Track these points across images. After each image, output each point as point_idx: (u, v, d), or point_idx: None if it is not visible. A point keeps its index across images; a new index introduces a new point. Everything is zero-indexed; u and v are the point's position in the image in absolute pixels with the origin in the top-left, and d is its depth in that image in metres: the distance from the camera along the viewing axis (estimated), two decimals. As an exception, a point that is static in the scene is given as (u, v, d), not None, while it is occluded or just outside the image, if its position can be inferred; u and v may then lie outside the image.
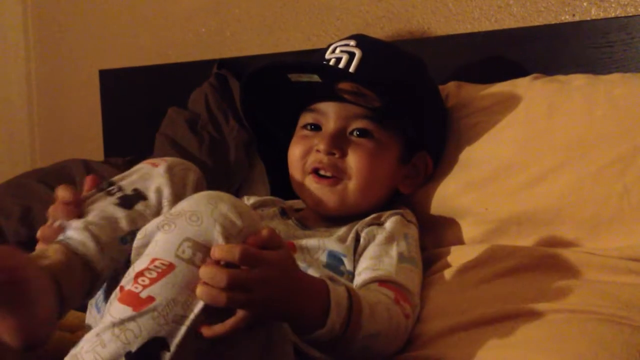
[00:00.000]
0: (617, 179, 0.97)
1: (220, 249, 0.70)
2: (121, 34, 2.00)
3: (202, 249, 0.71)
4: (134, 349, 0.67)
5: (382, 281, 0.91)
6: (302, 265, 0.96)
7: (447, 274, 1.00)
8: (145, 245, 0.74)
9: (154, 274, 0.70)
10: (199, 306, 0.70)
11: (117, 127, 1.90)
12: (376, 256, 0.95)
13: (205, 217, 0.72)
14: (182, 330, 0.69)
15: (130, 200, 0.85)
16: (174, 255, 0.71)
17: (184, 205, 0.74)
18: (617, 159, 0.98)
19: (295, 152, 1.08)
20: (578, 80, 1.08)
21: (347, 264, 0.97)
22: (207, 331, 0.71)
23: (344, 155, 1.04)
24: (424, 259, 1.03)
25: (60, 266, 0.74)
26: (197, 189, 0.87)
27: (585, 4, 1.24)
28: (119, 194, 0.85)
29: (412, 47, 1.25)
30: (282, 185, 1.17)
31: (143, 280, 0.70)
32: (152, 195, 0.84)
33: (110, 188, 0.85)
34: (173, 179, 0.85)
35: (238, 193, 1.47)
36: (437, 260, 1.05)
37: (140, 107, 1.82)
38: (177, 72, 1.78)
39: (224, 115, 1.53)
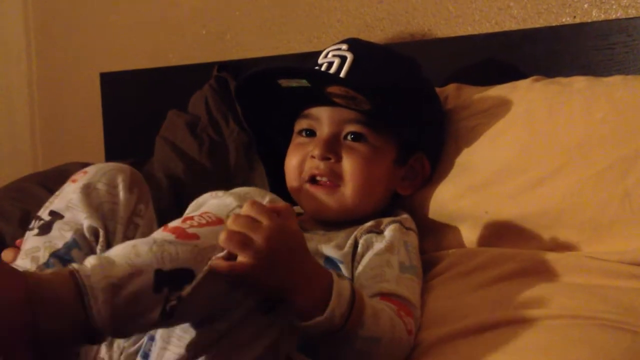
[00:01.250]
0: (618, 182, 0.96)
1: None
2: (122, 37, 2.00)
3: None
4: (165, 268, 0.69)
5: (384, 295, 0.91)
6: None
7: (446, 278, 1.00)
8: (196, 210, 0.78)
9: (203, 221, 0.74)
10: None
11: (118, 130, 1.90)
12: (377, 266, 0.95)
13: (256, 197, 0.77)
14: (209, 279, 0.71)
15: (47, 226, 0.92)
16: (225, 214, 0.75)
17: (239, 189, 0.80)
18: (618, 161, 0.97)
19: (291, 161, 1.08)
20: (579, 82, 1.08)
21: (344, 271, 0.97)
22: (217, 262, 0.72)
23: (339, 159, 1.04)
24: (423, 263, 1.03)
25: None
26: (131, 188, 0.94)
27: (586, 5, 1.24)
28: (38, 224, 0.92)
29: (412, 49, 1.25)
30: (282, 188, 1.17)
31: (191, 222, 0.74)
32: (67, 213, 0.90)
33: (33, 223, 0.92)
34: (88, 192, 0.92)
35: (238, 196, 1.47)
36: (436, 264, 1.04)
37: (141, 110, 1.82)
38: (178, 74, 1.78)
39: (224, 118, 1.53)
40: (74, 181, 0.95)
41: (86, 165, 1.56)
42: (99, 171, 0.95)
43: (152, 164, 1.56)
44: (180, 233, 0.72)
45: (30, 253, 0.88)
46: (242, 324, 0.77)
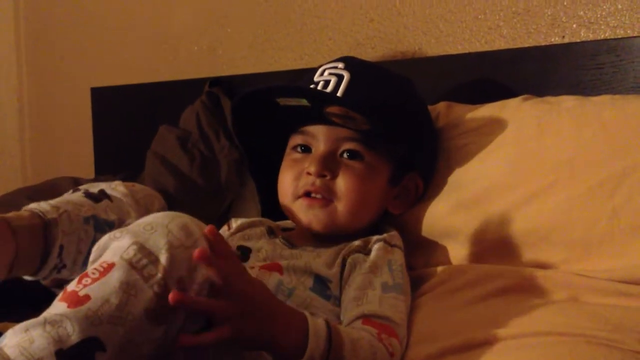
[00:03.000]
0: (606, 200, 0.97)
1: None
2: (113, 51, 2.00)
3: (148, 255, 0.69)
4: (65, 347, 0.65)
5: (365, 316, 0.90)
6: (287, 287, 0.96)
7: (435, 295, 1.00)
8: (99, 257, 0.74)
9: (97, 274, 0.69)
10: (137, 309, 0.68)
11: (108, 145, 1.90)
12: (360, 288, 0.94)
13: (159, 228, 0.71)
14: (120, 332, 0.67)
15: (95, 196, 0.91)
16: (118, 257, 0.70)
17: (143, 219, 0.75)
18: (607, 180, 0.98)
19: (286, 177, 1.08)
20: (568, 101, 1.09)
21: (333, 289, 0.97)
22: (185, 340, 0.70)
23: (334, 177, 1.04)
24: (413, 279, 1.03)
25: (20, 220, 0.78)
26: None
27: (574, 25, 1.25)
28: (83, 192, 0.91)
29: (403, 67, 1.25)
30: (273, 203, 1.17)
31: (86, 281, 0.69)
32: (117, 197, 0.90)
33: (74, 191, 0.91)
34: (136, 199, 0.92)
35: (229, 211, 1.47)
36: (425, 280, 1.04)
37: (132, 125, 1.82)
38: (169, 90, 1.78)
39: (215, 134, 1.53)
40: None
41: (77, 179, 1.58)
42: (139, 189, 0.95)
43: (142, 178, 1.55)
44: (72, 300, 0.68)
45: (70, 201, 0.86)
46: None
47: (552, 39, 1.27)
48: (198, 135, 1.54)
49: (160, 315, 0.69)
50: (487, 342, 0.86)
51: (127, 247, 0.70)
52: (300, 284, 0.96)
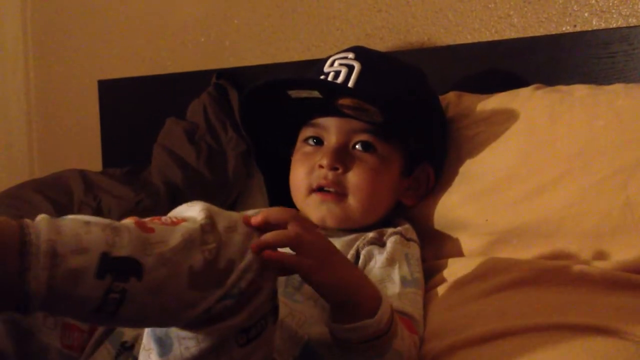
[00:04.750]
0: (619, 191, 0.96)
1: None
2: (120, 44, 1.99)
3: (212, 226, 0.70)
4: (113, 254, 0.64)
5: None
6: (297, 278, 0.95)
7: (446, 288, 0.99)
8: None
9: (169, 221, 0.70)
10: (184, 263, 0.67)
11: (116, 138, 1.89)
12: (379, 281, 0.94)
13: (225, 212, 0.73)
14: (161, 272, 0.66)
15: None
16: (191, 215, 0.71)
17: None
18: (620, 170, 0.96)
19: (298, 172, 1.07)
20: (580, 90, 1.07)
21: None
22: (267, 253, 0.71)
23: (347, 170, 1.03)
24: (424, 271, 1.02)
25: None
26: None
27: (586, 14, 1.23)
28: None
29: (411, 57, 1.24)
30: (281, 195, 1.16)
31: (156, 222, 0.69)
32: None
33: None
34: None
35: (236, 203, 1.46)
36: (435, 272, 1.03)
37: (139, 118, 1.81)
38: (176, 82, 1.77)
39: (222, 126, 1.52)
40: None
41: (84, 172, 1.58)
42: None
43: (149, 171, 1.55)
44: (140, 224, 0.68)
45: None
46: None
47: (564, 28, 1.26)
48: (205, 128, 1.54)
49: (200, 281, 0.69)
50: (499, 336, 0.85)
51: (199, 212, 0.71)
52: None
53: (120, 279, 0.63)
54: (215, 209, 0.73)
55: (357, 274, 0.81)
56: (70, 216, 0.66)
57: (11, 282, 0.60)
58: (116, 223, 0.67)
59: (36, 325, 0.85)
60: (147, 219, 0.70)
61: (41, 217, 0.64)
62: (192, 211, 0.71)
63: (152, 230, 0.67)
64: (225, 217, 0.72)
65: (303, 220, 0.78)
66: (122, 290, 0.64)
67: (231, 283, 0.69)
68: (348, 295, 0.78)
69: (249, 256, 0.70)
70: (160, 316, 0.68)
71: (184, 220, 0.70)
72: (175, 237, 0.68)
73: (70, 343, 0.88)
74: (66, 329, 0.88)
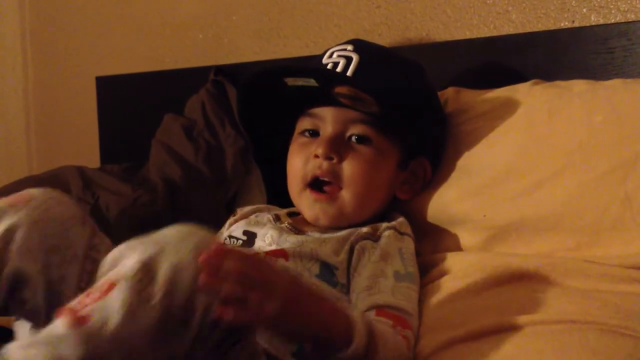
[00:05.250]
0: (618, 186, 0.95)
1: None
2: (118, 41, 1.99)
3: (151, 276, 0.67)
4: None
5: (379, 307, 0.89)
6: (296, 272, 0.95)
7: (443, 283, 0.99)
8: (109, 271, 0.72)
9: (98, 293, 0.67)
10: (137, 330, 0.66)
11: (114, 134, 1.89)
12: (372, 276, 0.93)
13: (169, 247, 0.69)
14: (120, 353, 0.65)
15: None
16: (122, 275, 0.68)
17: (158, 233, 0.72)
18: (618, 165, 0.96)
19: (295, 162, 1.07)
20: (578, 85, 1.07)
21: (340, 276, 0.96)
22: (227, 313, 0.67)
23: (341, 160, 1.03)
24: (420, 265, 1.02)
25: None
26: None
27: (584, 10, 1.23)
28: None
29: (410, 53, 1.24)
30: (279, 191, 1.16)
31: (87, 299, 0.67)
32: None
33: None
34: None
35: (234, 200, 1.46)
36: (432, 267, 1.03)
37: (137, 114, 1.81)
38: (174, 78, 1.77)
39: (220, 122, 1.52)
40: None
41: (81, 168, 1.57)
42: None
43: (147, 167, 1.55)
44: (72, 319, 0.66)
45: None
46: None
47: (562, 24, 1.25)
48: (203, 124, 1.54)
49: (163, 336, 0.67)
50: (496, 331, 0.85)
51: (132, 265, 0.68)
52: (306, 271, 0.96)
53: None
54: (159, 243, 0.69)
55: (325, 308, 0.77)
56: (11, 345, 0.65)
57: None
58: (49, 337, 0.65)
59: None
60: (79, 300, 0.68)
61: None
62: (128, 261, 0.68)
63: (87, 319, 0.65)
64: (170, 254, 0.68)
65: (255, 260, 0.73)
66: None
67: (197, 322, 0.68)
68: (317, 333, 0.76)
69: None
70: None
71: (115, 282, 0.67)
72: (115, 311, 0.66)
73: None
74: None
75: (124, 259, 0.70)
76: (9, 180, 1.64)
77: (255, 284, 0.69)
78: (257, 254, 0.76)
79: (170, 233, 0.71)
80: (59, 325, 0.66)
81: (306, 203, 1.05)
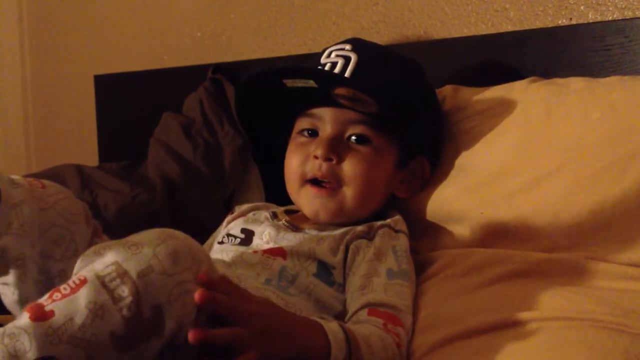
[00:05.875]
0: (615, 183, 0.95)
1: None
2: (116, 39, 1.99)
3: (123, 276, 0.65)
4: None
5: (371, 305, 0.89)
6: (291, 272, 0.95)
7: (441, 280, 0.99)
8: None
9: (67, 290, 0.66)
10: (103, 332, 0.64)
11: (112, 132, 1.89)
12: (365, 275, 0.94)
13: (145, 249, 0.67)
14: (81, 354, 0.63)
15: None
16: (93, 273, 0.66)
17: (137, 234, 0.71)
18: (615, 162, 0.96)
19: (292, 161, 1.06)
20: (576, 83, 1.07)
21: (337, 275, 0.96)
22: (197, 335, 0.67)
23: (341, 161, 1.03)
24: (418, 263, 1.02)
25: None
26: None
27: (582, 7, 1.23)
28: None
29: (408, 51, 1.24)
30: (277, 190, 1.16)
31: (56, 295, 0.66)
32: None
33: None
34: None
35: (232, 198, 1.46)
36: (430, 264, 1.03)
37: (136, 112, 1.81)
38: (173, 77, 1.77)
39: (218, 120, 1.52)
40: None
41: (80, 167, 1.57)
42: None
43: (146, 166, 1.55)
44: (36, 313, 0.64)
45: None
46: None
47: (560, 21, 1.25)
48: (201, 122, 1.54)
49: (129, 341, 0.65)
50: (494, 328, 0.85)
51: (105, 264, 0.66)
52: (303, 270, 0.96)
53: None
54: (135, 245, 0.67)
55: (300, 330, 0.77)
56: None
57: None
58: (10, 328, 0.63)
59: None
60: (45, 298, 0.66)
61: None
62: (102, 261, 0.67)
63: (51, 314, 0.64)
64: (145, 257, 0.66)
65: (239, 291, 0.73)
66: None
67: (169, 330, 0.66)
68: (293, 358, 0.75)
69: (182, 298, 0.66)
70: None
71: (85, 280, 0.65)
72: (80, 310, 0.64)
73: None
74: None
75: (99, 257, 0.68)
76: (8, 178, 1.64)
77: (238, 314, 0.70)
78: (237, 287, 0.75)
79: (149, 236, 0.69)
80: (23, 318, 0.64)
81: (306, 198, 1.05)
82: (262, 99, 1.11)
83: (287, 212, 1.10)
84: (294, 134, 1.10)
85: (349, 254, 0.98)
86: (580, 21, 1.23)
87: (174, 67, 1.81)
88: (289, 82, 1.03)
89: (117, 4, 1.99)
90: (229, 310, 0.69)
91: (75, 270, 0.71)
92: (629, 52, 1.12)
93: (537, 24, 1.27)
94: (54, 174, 1.54)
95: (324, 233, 1.02)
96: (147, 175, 1.51)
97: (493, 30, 1.33)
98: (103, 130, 1.91)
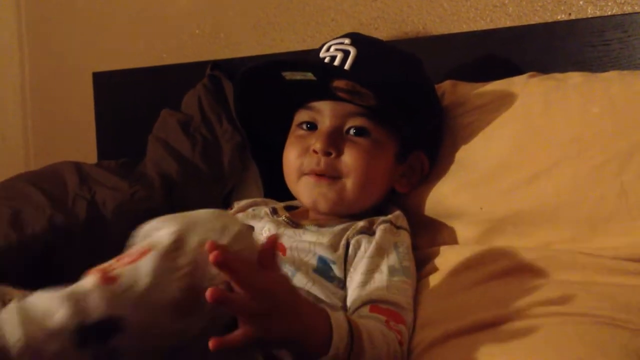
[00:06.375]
0: (614, 178, 0.95)
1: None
2: (115, 36, 1.99)
3: (183, 248, 0.68)
4: (86, 322, 0.64)
5: (373, 302, 0.89)
6: (290, 268, 0.95)
7: (439, 276, 0.99)
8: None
9: (132, 257, 0.68)
10: (163, 298, 0.66)
11: (111, 129, 1.89)
12: (367, 271, 0.93)
13: (200, 224, 0.70)
14: (142, 317, 0.65)
15: None
16: (156, 243, 0.69)
17: (191, 212, 0.73)
18: (614, 157, 0.96)
19: (291, 154, 1.06)
20: (574, 78, 1.07)
21: (337, 271, 0.96)
22: (215, 344, 0.67)
23: (340, 154, 1.03)
24: (417, 259, 1.01)
25: None
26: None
27: (581, 2, 1.23)
28: None
29: (407, 47, 1.23)
30: (276, 187, 1.16)
31: (120, 261, 0.68)
32: None
33: None
34: None
35: (231, 195, 1.46)
36: (429, 260, 1.03)
37: (134, 110, 1.81)
38: (171, 74, 1.77)
39: (217, 117, 1.52)
40: None
41: (78, 164, 1.57)
42: None
43: (144, 163, 1.55)
44: (102, 277, 0.66)
45: None
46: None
47: (558, 16, 1.25)
48: (200, 119, 1.53)
49: (185, 308, 0.68)
50: (493, 324, 0.85)
51: (166, 235, 0.69)
52: (303, 265, 0.95)
53: (103, 340, 0.64)
54: (191, 220, 0.70)
55: (305, 318, 0.76)
56: (30, 300, 0.65)
57: None
58: (77, 289, 0.65)
59: None
60: (110, 263, 0.68)
61: (7, 313, 0.63)
62: (162, 232, 0.69)
63: (116, 278, 0.66)
64: (200, 231, 0.69)
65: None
66: (112, 349, 0.64)
67: (209, 311, 0.68)
68: (293, 344, 0.76)
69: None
70: (156, 349, 0.68)
71: (150, 249, 0.68)
72: (143, 277, 0.66)
73: None
74: None
75: (157, 231, 0.70)
76: (6, 176, 1.64)
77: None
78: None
79: (202, 213, 0.73)
80: (87, 281, 0.66)
81: (305, 188, 1.04)
82: (260, 94, 1.11)
83: (286, 209, 1.10)
84: (292, 127, 1.10)
85: (350, 250, 0.97)
86: (579, 16, 1.23)
87: (173, 64, 1.81)
88: (288, 75, 1.02)
89: (115, 1, 1.99)
90: (242, 278, 0.69)
91: (131, 245, 0.73)
92: (628, 47, 1.12)
93: (536, 19, 1.27)
94: (53, 172, 1.54)
95: (324, 229, 1.01)
96: (145, 172, 1.50)
97: (492, 26, 1.32)
98: (101, 127, 1.91)
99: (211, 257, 0.67)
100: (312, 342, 0.76)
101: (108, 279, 0.66)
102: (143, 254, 0.68)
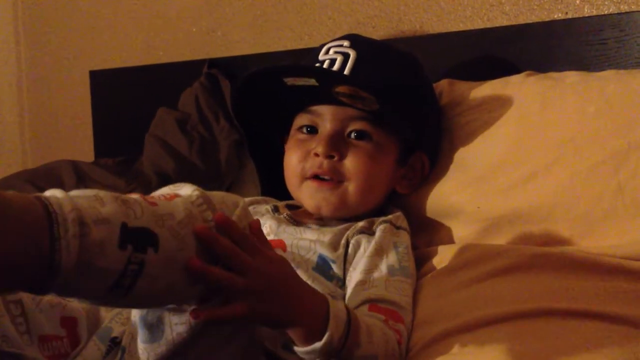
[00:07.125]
0: (610, 177, 0.96)
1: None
2: (112, 34, 1.99)
3: (208, 203, 0.69)
4: (130, 224, 0.62)
5: (372, 301, 0.89)
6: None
7: (437, 275, 0.99)
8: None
9: (164, 197, 0.68)
10: (192, 240, 0.66)
11: (108, 128, 1.89)
12: (366, 271, 0.93)
13: (216, 195, 0.71)
14: (173, 245, 0.65)
15: None
16: (182, 194, 0.69)
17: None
18: (611, 156, 0.96)
19: (292, 158, 1.06)
20: (571, 77, 1.07)
21: (336, 270, 0.96)
22: (197, 315, 0.68)
23: (342, 158, 1.02)
24: (415, 259, 1.01)
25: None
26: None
27: (577, 1, 1.23)
28: None
29: (404, 45, 1.24)
30: (273, 185, 1.16)
31: (153, 199, 0.68)
32: None
33: None
34: None
35: (228, 193, 1.46)
36: (427, 260, 1.03)
37: (131, 108, 1.81)
38: (168, 72, 1.77)
39: (214, 115, 1.52)
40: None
41: (75, 163, 1.57)
42: None
43: (141, 161, 1.55)
44: (144, 197, 0.67)
45: None
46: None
47: (555, 15, 1.26)
48: (197, 118, 1.53)
49: (205, 258, 0.68)
50: (491, 322, 0.85)
51: (191, 192, 0.69)
52: (303, 263, 0.96)
53: (139, 249, 0.62)
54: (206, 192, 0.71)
55: (300, 302, 0.76)
56: (75, 191, 0.64)
57: (39, 253, 0.57)
58: (123, 196, 0.65)
59: (19, 346, 0.81)
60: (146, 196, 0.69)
61: (55, 190, 0.62)
62: (184, 191, 0.70)
63: (156, 203, 0.66)
64: (217, 200, 0.70)
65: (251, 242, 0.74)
66: (141, 262, 0.62)
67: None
68: (284, 325, 0.76)
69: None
70: (167, 294, 0.67)
71: (178, 196, 0.69)
72: (179, 211, 0.66)
73: (51, 353, 0.84)
74: (43, 340, 0.84)
75: (178, 190, 0.71)
76: (4, 174, 1.64)
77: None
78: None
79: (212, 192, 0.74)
80: (132, 195, 0.66)
81: (308, 193, 1.04)
82: (260, 96, 1.10)
83: (287, 207, 1.10)
84: (292, 131, 1.09)
85: (350, 249, 0.97)
86: (576, 15, 1.23)
87: (170, 63, 1.81)
88: (290, 81, 1.02)
89: (112, 0, 1.99)
90: (227, 253, 0.69)
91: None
92: (625, 46, 1.12)
93: (533, 18, 1.28)
94: (50, 170, 1.54)
95: (325, 227, 1.02)
96: (142, 170, 1.50)
97: (489, 25, 1.33)
98: (98, 125, 1.91)
99: (197, 228, 0.67)
100: (307, 326, 0.76)
101: (150, 201, 0.66)
102: (173, 197, 0.68)
